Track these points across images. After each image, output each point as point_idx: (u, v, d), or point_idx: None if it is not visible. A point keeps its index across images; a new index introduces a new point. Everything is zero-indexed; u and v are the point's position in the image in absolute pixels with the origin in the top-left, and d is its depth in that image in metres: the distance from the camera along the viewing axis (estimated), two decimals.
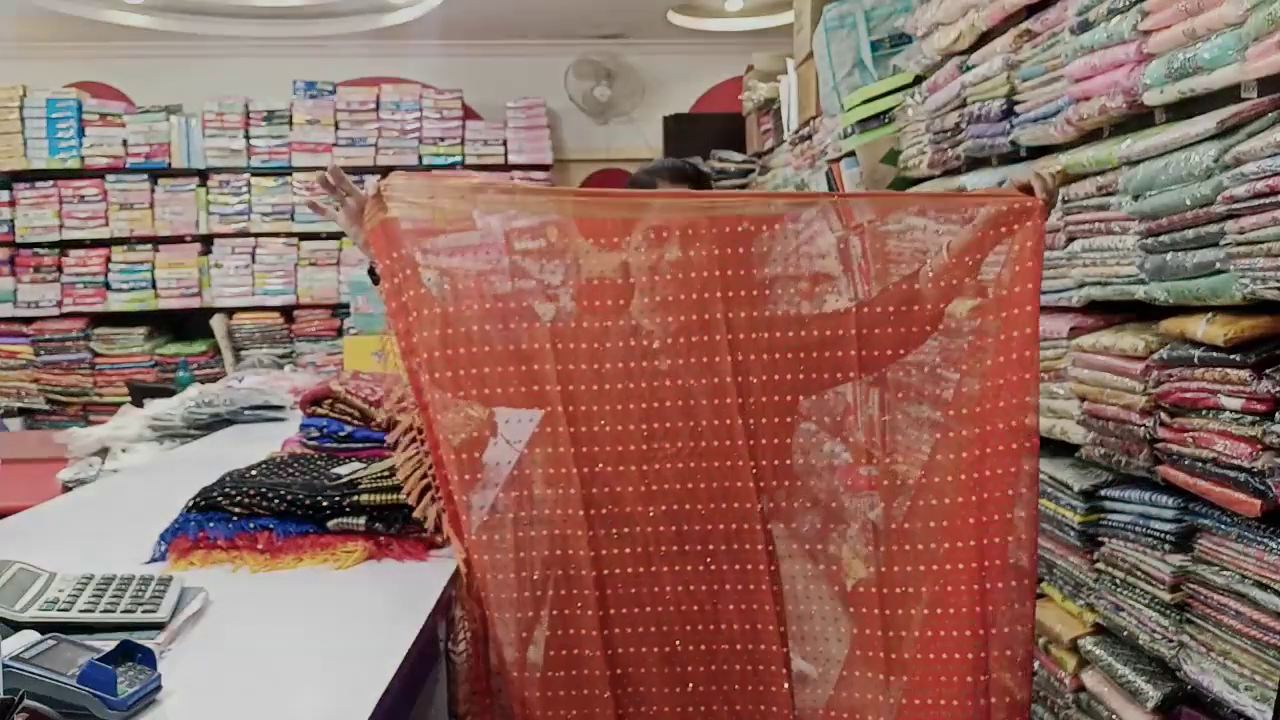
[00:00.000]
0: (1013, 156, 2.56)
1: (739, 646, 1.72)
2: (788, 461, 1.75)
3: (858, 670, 1.75)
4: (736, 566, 1.71)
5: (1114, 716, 1.99)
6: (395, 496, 1.77)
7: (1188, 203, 1.71)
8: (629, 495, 1.70)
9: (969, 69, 2.71)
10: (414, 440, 1.74)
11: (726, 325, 1.70)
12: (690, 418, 1.70)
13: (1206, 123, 1.67)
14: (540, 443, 1.72)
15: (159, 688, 1.14)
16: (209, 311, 6.21)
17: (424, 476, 1.72)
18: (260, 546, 1.70)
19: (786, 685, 1.71)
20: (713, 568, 1.71)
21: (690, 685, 1.72)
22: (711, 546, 1.71)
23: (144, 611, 1.33)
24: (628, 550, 1.70)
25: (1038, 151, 2.43)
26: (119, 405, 3.51)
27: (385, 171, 6.37)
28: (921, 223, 3.03)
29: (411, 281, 1.69)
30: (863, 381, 1.76)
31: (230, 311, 6.24)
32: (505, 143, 6.45)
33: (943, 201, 1.99)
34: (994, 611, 1.63)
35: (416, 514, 1.71)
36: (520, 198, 1.89)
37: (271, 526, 1.72)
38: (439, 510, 1.69)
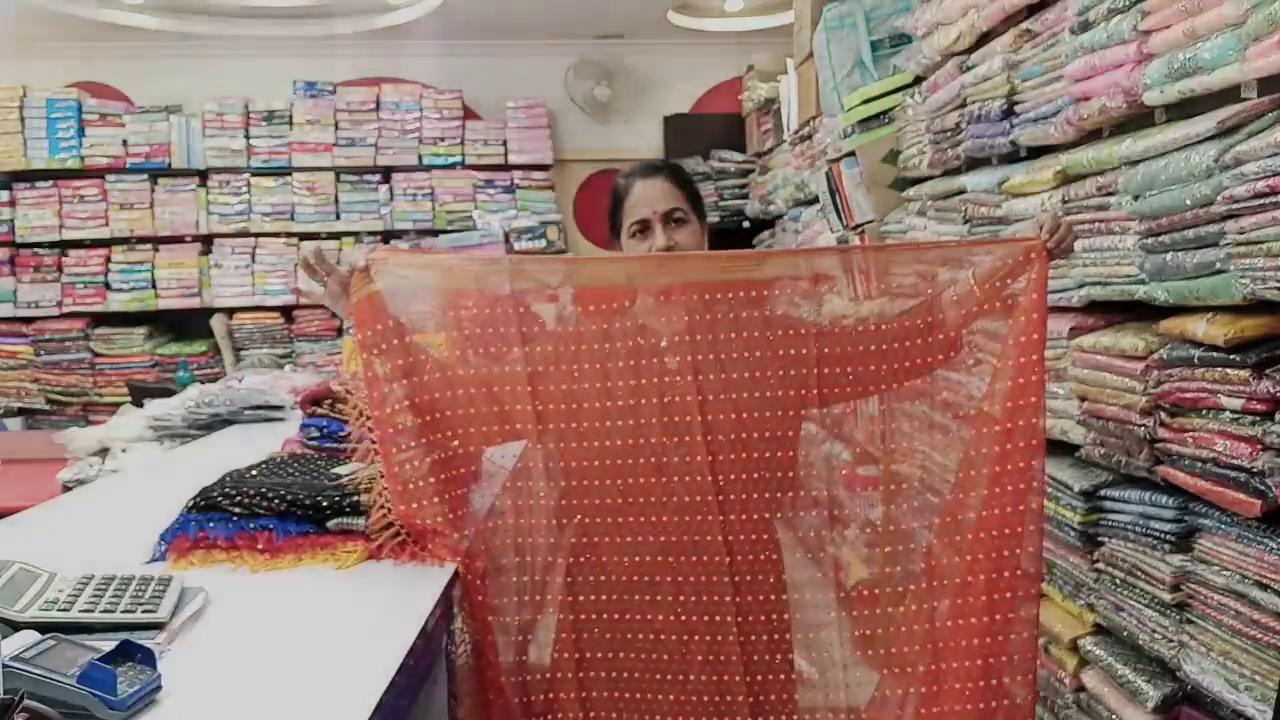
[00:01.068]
0: (1013, 156, 2.56)
1: (705, 698, 1.75)
2: (755, 515, 1.75)
3: (859, 672, 1.77)
4: (705, 618, 1.73)
5: (1114, 716, 1.99)
6: None
7: (1188, 203, 1.71)
8: (605, 546, 1.73)
9: (969, 69, 2.71)
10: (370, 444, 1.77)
11: (694, 368, 1.71)
12: (661, 474, 1.72)
13: (1206, 123, 1.67)
14: (528, 495, 1.76)
15: (159, 688, 1.14)
16: (209, 311, 6.21)
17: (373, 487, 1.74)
18: (260, 546, 1.70)
19: None
20: (683, 618, 1.74)
21: None
22: (682, 598, 1.74)
23: (144, 611, 1.33)
24: (603, 597, 1.74)
25: (1038, 151, 2.43)
26: (119, 405, 3.51)
27: (385, 172, 6.42)
28: (922, 222, 3.04)
29: (398, 350, 1.71)
30: (824, 411, 1.78)
31: (230, 311, 6.23)
32: (505, 143, 6.45)
33: (956, 249, 1.99)
34: (1002, 616, 1.64)
35: (371, 528, 1.72)
36: (512, 267, 1.91)
37: (271, 526, 1.72)
38: (397, 525, 1.71)
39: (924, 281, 1.82)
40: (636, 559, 1.73)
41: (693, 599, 1.73)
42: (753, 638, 1.75)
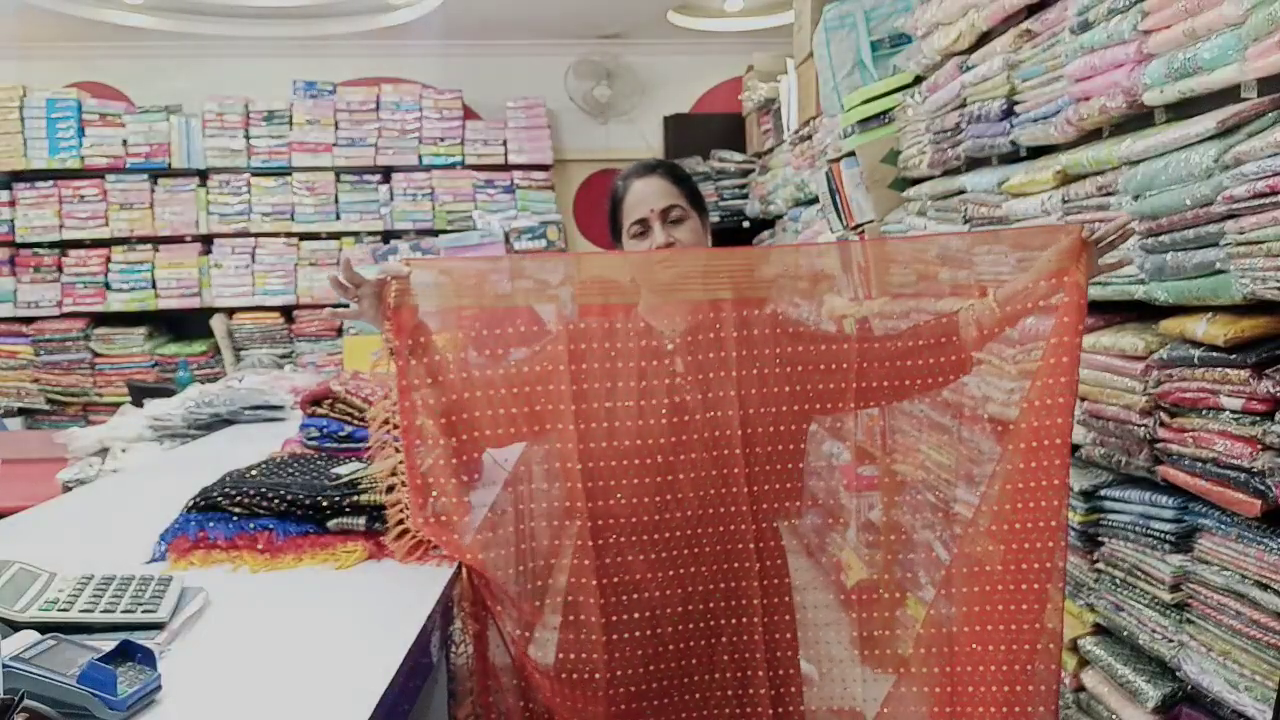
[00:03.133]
0: (1013, 156, 2.56)
1: (730, 692, 1.77)
2: (797, 502, 1.77)
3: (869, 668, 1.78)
4: (733, 621, 1.76)
5: (1114, 716, 1.99)
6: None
7: (1188, 203, 1.70)
8: (639, 563, 1.74)
9: (969, 69, 2.71)
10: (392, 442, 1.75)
11: (738, 383, 1.72)
12: (699, 488, 1.72)
13: (1206, 123, 1.67)
14: (529, 498, 1.77)
15: (159, 688, 1.14)
16: (209, 311, 6.21)
17: (393, 474, 1.73)
18: (260, 546, 1.70)
19: None
20: (711, 623, 1.76)
21: None
22: (712, 605, 1.76)
23: (144, 611, 1.33)
24: (635, 615, 1.74)
25: (1038, 151, 2.43)
26: (119, 405, 3.51)
27: (385, 172, 6.41)
28: (921, 222, 3.04)
29: (430, 360, 1.71)
30: (862, 413, 1.78)
31: (230, 311, 6.24)
32: (505, 143, 6.45)
33: (988, 239, 1.99)
34: (1025, 625, 1.64)
35: (389, 526, 1.72)
36: (540, 264, 1.89)
37: (271, 526, 1.72)
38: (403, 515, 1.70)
39: (924, 281, 1.82)
40: (670, 572, 1.73)
41: (723, 604, 1.75)
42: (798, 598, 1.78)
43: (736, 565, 1.73)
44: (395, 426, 1.72)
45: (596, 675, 1.73)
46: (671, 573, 1.73)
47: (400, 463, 1.70)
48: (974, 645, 1.67)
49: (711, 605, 1.74)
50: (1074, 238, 1.65)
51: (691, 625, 1.75)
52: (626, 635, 1.74)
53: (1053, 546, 1.61)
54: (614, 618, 1.73)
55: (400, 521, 1.69)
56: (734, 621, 1.75)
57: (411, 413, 1.69)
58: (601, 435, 1.71)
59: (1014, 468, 1.65)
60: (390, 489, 1.72)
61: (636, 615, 1.74)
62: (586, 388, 1.71)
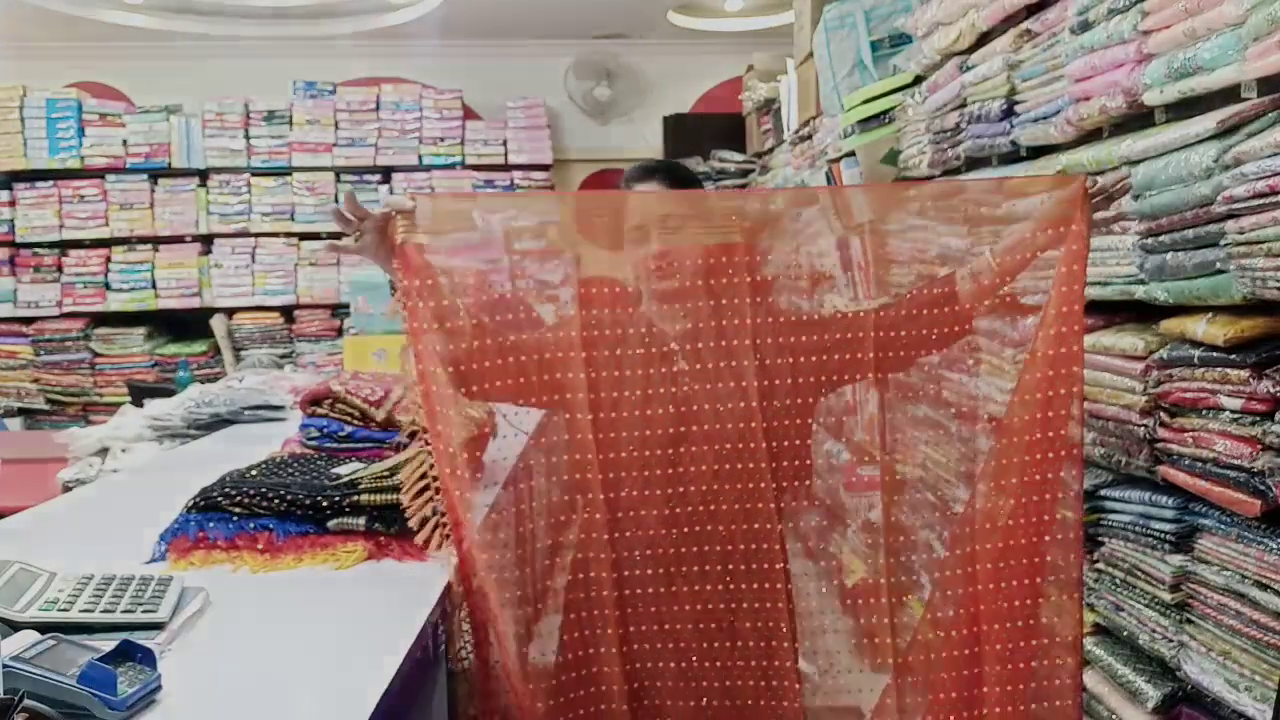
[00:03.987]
0: (1013, 156, 2.56)
1: (753, 663, 1.73)
2: (808, 482, 1.76)
3: (862, 666, 1.77)
4: (755, 585, 1.72)
5: (1114, 716, 1.99)
6: (395, 496, 1.76)
7: (1188, 203, 1.71)
8: (652, 519, 1.71)
9: (969, 69, 2.71)
10: (418, 439, 1.73)
11: (753, 332, 1.70)
12: (714, 441, 1.70)
13: (1206, 123, 1.67)
14: (569, 469, 1.73)
15: (159, 688, 1.14)
16: (209, 311, 6.21)
17: (423, 477, 1.71)
18: (260, 546, 1.70)
19: (798, 703, 1.73)
20: (731, 586, 1.73)
21: (705, 699, 1.74)
22: (731, 566, 1.72)
23: (144, 611, 1.33)
24: (649, 571, 1.72)
25: (1038, 151, 2.43)
26: (119, 405, 3.51)
27: (385, 172, 6.40)
28: (922, 222, 3.05)
29: (438, 301, 1.64)
30: (876, 381, 1.78)
31: (230, 311, 6.24)
32: (505, 143, 6.45)
33: (985, 188, 1.98)
34: (1037, 623, 1.63)
35: (410, 515, 1.69)
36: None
37: (271, 526, 1.72)
38: (437, 515, 1.67)
39: (924, 280, 1.82)
40: (685, 529, 1.71)
41: (741, 566, 1.72)
42: (800, 602, 1.76)
43: (757, 526, 1.70)
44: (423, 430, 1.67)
45: (608, 630, 1.69)
46: (686, 529, 1.70)
47: (429, 455, 1.64)
48: (996, 601, 1.65)
49: (731, 567, 1.71)
50: (1076, 186, 1.63)
51: (710, 587, 1.71)
52: (639, 591, 1.70)
53: (1056, 545, 1.61)
54: (626, 573, 1.70)
55: (435, 509, 1.64)
56: (755, 587, 1.71)
57: (425, 358, 1.61)
58: (612, 388, 1.68)
59: (1020, 418, 1.64)
60: (423, 483, 1.68)
61: (650, 572, 1.70)
62: (597, 354, 1.69)
